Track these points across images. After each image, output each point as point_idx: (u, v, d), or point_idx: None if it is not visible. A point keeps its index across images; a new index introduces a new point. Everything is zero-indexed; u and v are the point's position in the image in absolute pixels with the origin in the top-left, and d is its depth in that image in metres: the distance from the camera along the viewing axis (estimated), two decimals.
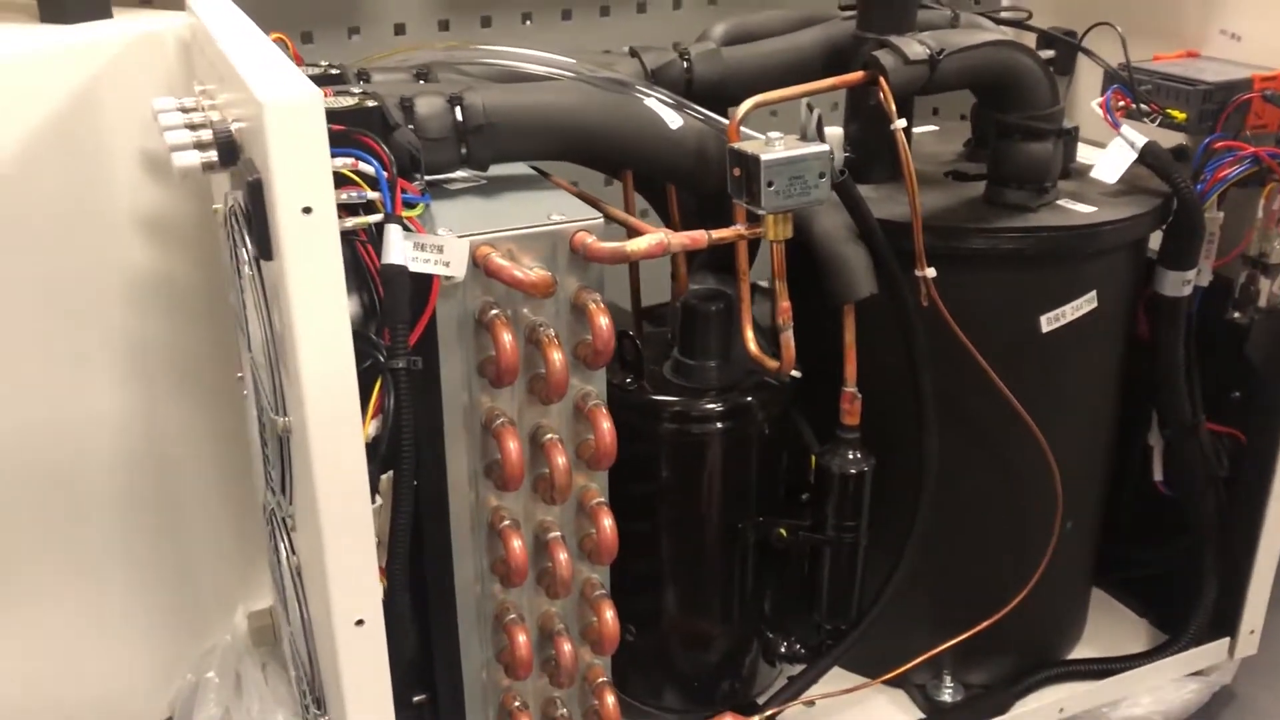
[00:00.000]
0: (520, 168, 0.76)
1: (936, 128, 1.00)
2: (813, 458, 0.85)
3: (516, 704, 0.75)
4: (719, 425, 0.80)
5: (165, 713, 0.96)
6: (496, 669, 0.76)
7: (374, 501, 0.63)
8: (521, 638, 0.73)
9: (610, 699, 0.77)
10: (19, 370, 0.81)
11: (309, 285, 0.56)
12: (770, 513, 0.84)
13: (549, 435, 0.70)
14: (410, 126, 0.68)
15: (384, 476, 0.64)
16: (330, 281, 0.57)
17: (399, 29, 1.15)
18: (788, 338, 0.73)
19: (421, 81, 0.79)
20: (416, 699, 0.76)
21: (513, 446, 0.68)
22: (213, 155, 0.64)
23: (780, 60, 0.85)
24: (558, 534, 0.72)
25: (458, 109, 0.70)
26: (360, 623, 0.63)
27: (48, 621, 0.88)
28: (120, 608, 0.92)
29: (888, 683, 0.92)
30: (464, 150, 0.71)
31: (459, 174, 0.74)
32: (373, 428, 0.62)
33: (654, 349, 0.84)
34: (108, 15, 0.86)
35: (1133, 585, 1.03)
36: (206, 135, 0.69)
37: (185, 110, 0.75)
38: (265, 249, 0.58)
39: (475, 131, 0.70)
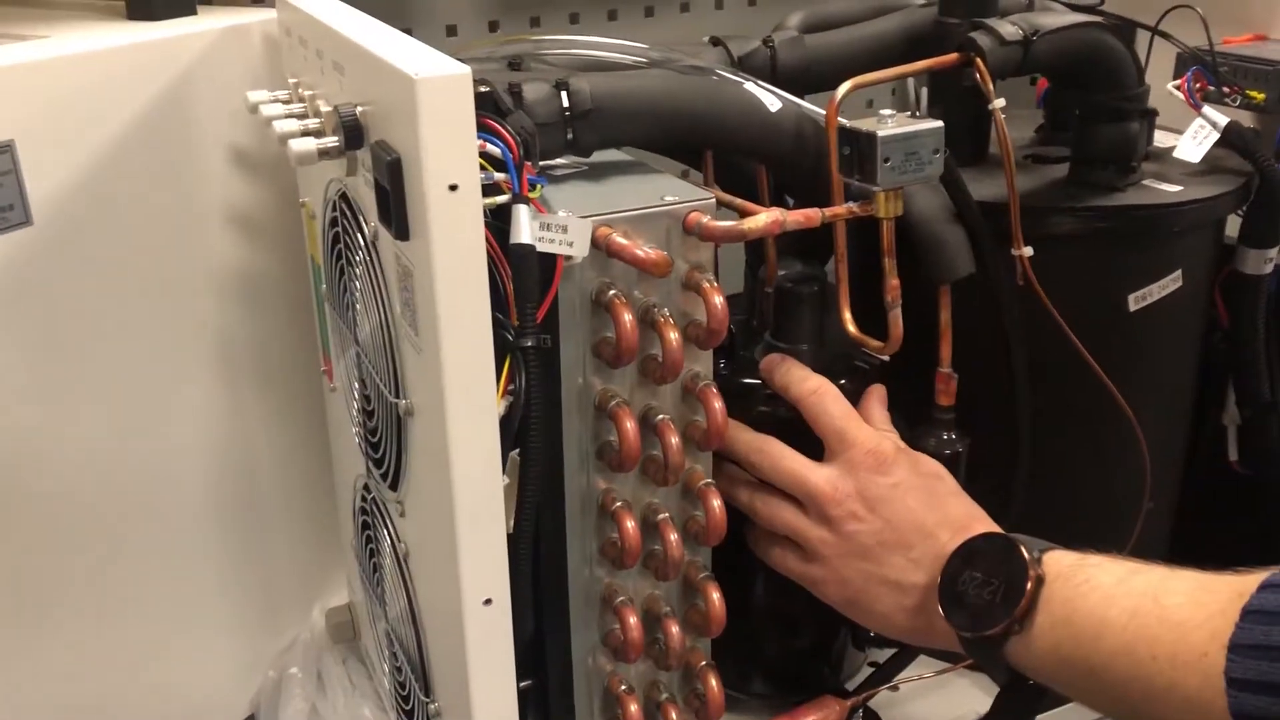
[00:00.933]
0: (618, 154, 0.77)
1: None
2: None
3: (623, 688, 0.75)
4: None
5: (247, 711, 0.96)
6: (601, 653, 0.76)
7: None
8: (633, 619, 0.73)
9: (714, 682, 0.77)
10: (112, 366, 0.81)
11: (454, 262, 0.56)
12: None
13: (661, 416, 0.70)
14: (520, 111, 0.69)
15: (511, 455, 0.64)
16: (474, 257, 0.57)
17: (450, 30, 1.16)
18: (896, 315, 0.73)
19: (515, 70, 0.79)
20: (522, 684, 0.76)
21: (629, 427, 0.68)
22: (332, 141, 0.64)
23: (863, 47, 0.85)
24: (666, 515, 0.73)
25: (564, 94, 0.71)
26: (489, 602, 0.64)
27: (130, 622, 0.88)
28: (201, 606, 0.91)
29: (974, 666, 0.92)
30: (570, 135, 0.71)
31: (560, 160, 0.75)
32: (502, 406, 0.63)
33: (738, 336, 0.85)
34: (193, 12, 0.86)
35: (1203, 565, 1.04)
36: (314, 123, 0.70)
37: (284, 102, 0.76)
38: (403, 229, 0.59)
39: (582, 116, 0.71)
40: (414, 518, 0.72)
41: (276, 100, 0.76)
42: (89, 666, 0.84)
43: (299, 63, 0.78)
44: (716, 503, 0.73)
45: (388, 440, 0.72)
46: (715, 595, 0.74)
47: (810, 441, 0.78)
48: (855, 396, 0.82)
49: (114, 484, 0.83)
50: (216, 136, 0.84)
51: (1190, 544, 1.01)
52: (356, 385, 0.78)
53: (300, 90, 0.75)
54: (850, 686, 0.90)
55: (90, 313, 0.79)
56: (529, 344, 0.62)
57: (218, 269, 0.87)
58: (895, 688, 0.93)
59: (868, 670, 0.91)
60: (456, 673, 0.67)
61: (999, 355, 0.81)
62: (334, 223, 0.74)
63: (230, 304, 0.88)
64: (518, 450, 0.65)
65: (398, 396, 0.67)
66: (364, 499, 0.83)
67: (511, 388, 0.63)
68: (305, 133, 0.68)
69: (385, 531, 0.78)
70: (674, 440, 0.70)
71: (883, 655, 0.91)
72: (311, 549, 0.99)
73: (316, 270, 0.86)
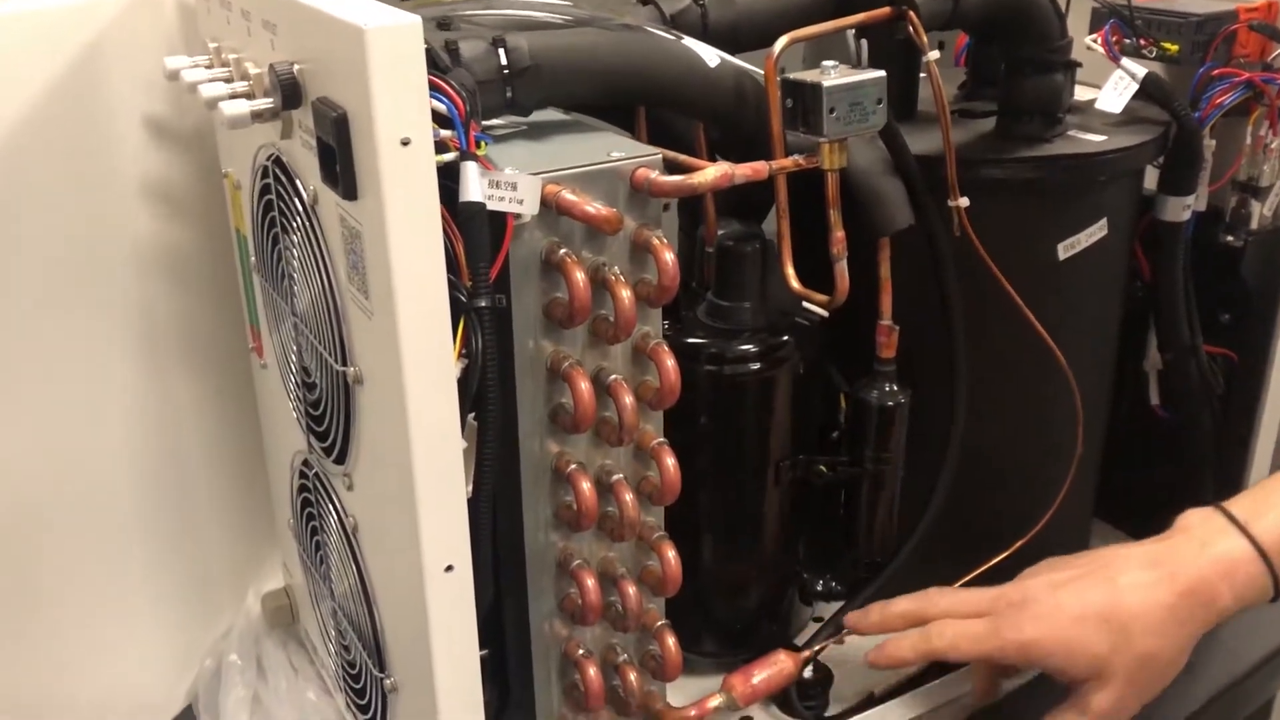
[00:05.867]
0: (557, 113, 0.76)
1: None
2: (841, 396, 0.87)
3: (581, 652, 0.75)
4: (757, 365, 0.81)
5: (184, 701, 0.93)
6: (557, 619, 0.75)
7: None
8: (590, 582, 0.72)
9: (671, 641, 0.77)
10: (29, 344, 0.77)
11: (407, 219, 0.55)
12: (807, 452, 0.85)
13: (613, 376, 0.70)
14: (459, 69, 0.67)
15: (469, 418, 0.63)
16: (428, 214, 0.56)
17: None
18: (842, 268, 0.74)
19: (446, 30, 0.77)
20: (479, 654, 0.75)
21: (584, 388, 0.67)
22: (267, 102, 0.62)
23: (794, 4, 0.85)
24: (620, 476, 0.72)
25: (501, 51, 0.69)
26: (450, 569, 0.62)
27: (55, 615, 0.84)
28: (130, 596, 0.88)
29: None
30: (509, 93, 0.70)
31: (498, 120, 0.73)
32: (458, 369, 0.61)
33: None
34: None
35: (1126, 511, 1.07)
36: (242, 86, 0.67)
37: (205, 67, 0.73)
38: (350, 188, 0.57)
39: (520, 74, 0.69)
40: (363, 490, 0.71)
41: (197, 66, 0.73)
42: (12, 664, 0.80)
43: (219, 26, 0.75)
44: (670, 461, 0.72)
45: (333, 412, 0.70)
46: (670, 554, 0.74)
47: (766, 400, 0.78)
48: (799, 351, 0.82)
49: (33, 469, 0.79)
50: (132, 107, 0.81)
51: (1115, 489, 1.05)
52: (294, 358, 0.75)
53: (223, 54, 0.72)
54: (799, 642, 0.90)
55: (4, 290, 0.75)
56: (483, 304, 0.60)
57: (138, 244, 0.83)
58: (841, 641, 0.94)
59: (814, 626, 0.92)
60: (416, 644, 0.66)
61: (937, 307, 0.82)
62: (265, 190, 0.72)
63: (153, 280, 0.85)
64: (474, 415, 0.63)
65: (344, 364, 0.65)
66: (304, 475, 0.80)
67: (466, 351, 0.62)
68: (234, 95, 0.66)
69: (330, 507, 0.76)
70: (628, 400, 0.69)
71: (827, 610, 0.92)
72: (244, 533, 0.97)
73: (242, 242, 0.83)
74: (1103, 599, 0.75)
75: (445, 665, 0.65)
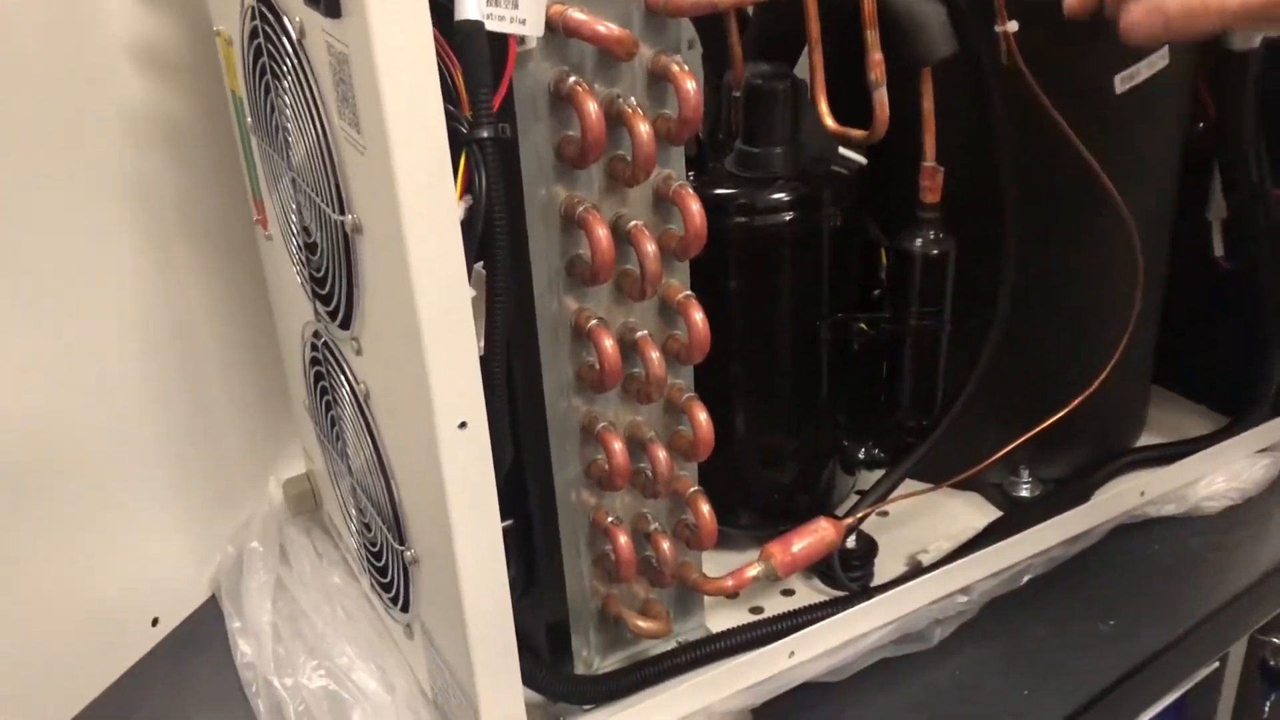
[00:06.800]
0: None
1: None
2: (881, 252, 0.81)
3: (610, 520, 0.71)
4: (790, 215, 0.76)
5: (208, 591, 0.91)
6: (584, 486, 0.71)
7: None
8: (617, 445, 0.68)
9: (705, 507, 0.72)
10: (24, 225, 0.73)
11: (397, 35, 0.50)
12: (846, 310, 0.80)
13: (634, 223, 0.64)
14: None
15: (476, 266, 0.58)
16: (418, 29, 0.50)
17: None
18: (881, 95, 0.68)
19: None
20: (503, 524, 0.71)
21: (602, 235, 0.62)
22: None
23: None
24: (645, 333, 0.67)
25: None
26: (464, 425, 0.58)
27: (71, 509, 0.81)
28: (146, 485, 0.85)
29: (961, 485, 0.89)
30: None
31: None
32: (461, 210, 0.57)
33: (706, 148, 0.79)
34: None
35: (1185, 372, 1.01)
36: None
37: None
38: (333, 3, 0.52)
39: None
40: (372, 353, 0.66)
41: None
42: (31, 563, 0.77)
43: None
44: (698, 315, 0.67)
45: (335, 272, 0.66)
46: (701, 416, 0.70)
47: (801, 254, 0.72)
48: (836, 199, 0.77)
49: (37, 358, 0.75)
50: None
51: (1175, 351, 0.99)
52: (294, 219, 0.71)
53: None
54: (839, 513, 0.86)
55: None
56: (485, 135, 0.55)
57: (133, 114, 0.79)
58: (885, 512, 0.90)
59: (855, 499, 0.88)
60: (435, 512, 0.62)
61: (983, 147, 0.76)
62: (254, 34, 0.67)
63: (149, 152, 0.81)
64: (482, 263, 0.59)
65: (343, 213, 0.61)
66: (314, 348, 0.76)
67: (469, 191, 0.57)
68: None
69: (342, 377, 0.72)
70: (650, 249, 0.64)
71: (870, 480, 0.87)
72: (260, 418, 0.93)
73: (239, 105, 0.78)
74: None
75: (464, 531, 0.61)
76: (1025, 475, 0.90)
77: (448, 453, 0.58)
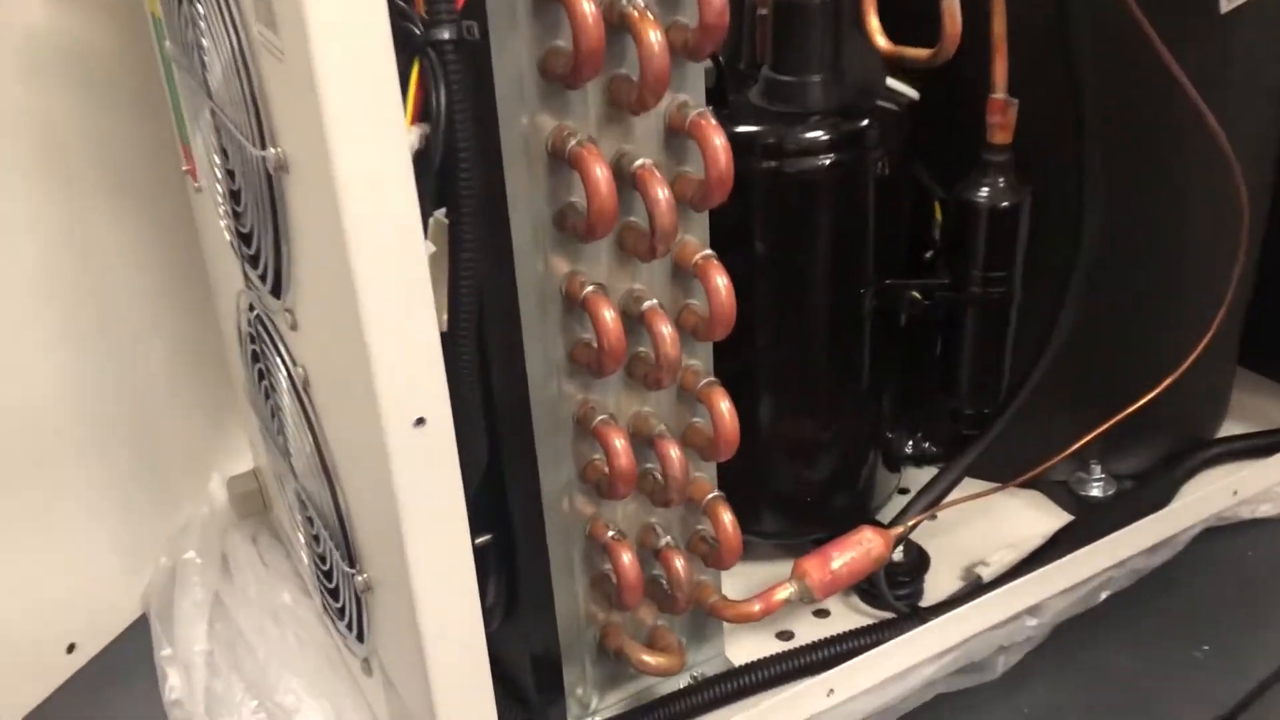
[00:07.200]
0: None
1: None
2: (936, 205, 0.68)
3: (611, 534, 0.58)
4: (829, 158, 0.62)
5: (139, 608, 0.77)
6: (579, 492, 0.58)
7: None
8: (619, 443, 0.54)
9: (727, 517, 0.59)
10: None
11: None
12: (894, 275, 0.67)
13: (639, 162, 0.51)
14: None
15: (436, 214, 0.44)
16: None
17: None
18: (952, 3, 0.54)
19: None
20: (478, 540, 0.58)
21: (599, 175, 0.48)
22: None
23: None
24: (654, 303, 0.54)
25: None
26: (421, 422, 0.45)
27: None
28: (65, 486, 0.72)
29: (1024, 484, 0.75)
30: None
31: None
32: (414, 137, 0.43)
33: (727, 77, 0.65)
34: None
35: (1273, 350, 0.88)
36: None
37: None
38: None
39: None
40: (309, 328, 0.53)
41: None
42: None
43: None
44: (720, 281, 0.54)
45: (260, 226, 0.52)
46: (723, 405, 0.56)
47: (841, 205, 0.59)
48: (883, 141, 0.63)
49: None
50: None
51: (1261, 324, 0.85)
52: (218, 159, 0.57)
53: None
54: (881, 518, 0.73)
55: None
56: (446, 36, 0.42)
57: (34, 39, 0.65)
58: (933, 516, 0.76)
59: (899, 501, 0.75)
60: (387, 529, 0.48)
61: (1063, 77, 0.62)
62: None
63: (54, 87, 0.67)
64: (443, 210, 0.45)
65: (264, 146, 0.47)
66: (250, 321, 0.63)
67: (425, 112, 0.43)
68: None
69: (278, 359, 0.58)
70: (661, 195, 0.50)
71: (916, 479, 0.74)
72: (200, 405, 0.81)
73: (158, 26, 0.64)
74: None
75: (423, 553, 0.48)
76: (1097, 471, 0.77)
77: (400, 456, 0.45)
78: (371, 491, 0.50)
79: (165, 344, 0.78)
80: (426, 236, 0.44)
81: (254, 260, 0.55)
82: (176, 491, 0.80)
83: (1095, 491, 0.77)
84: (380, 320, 0.43)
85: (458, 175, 0.43)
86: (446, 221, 0.45)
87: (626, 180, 0.51)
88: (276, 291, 0.54)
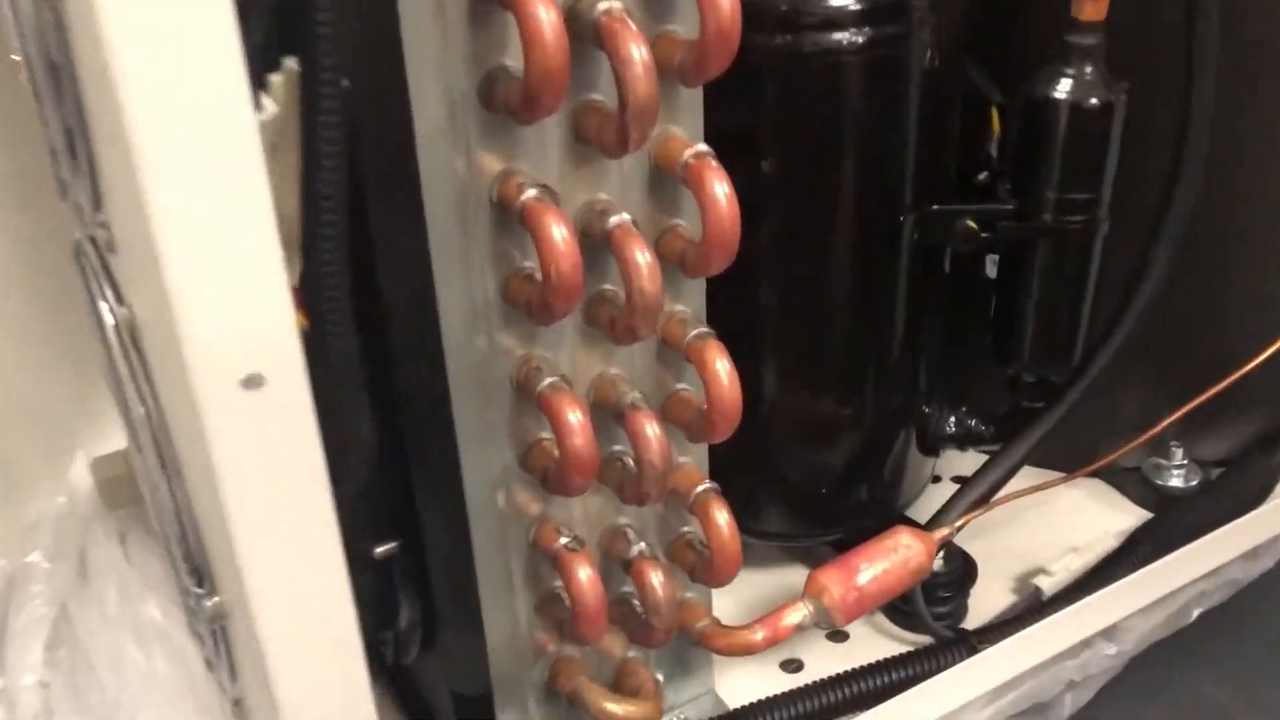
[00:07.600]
0: None
1: None
2: (994, 113, 0.52)
3: (564, 541, 0.42)
4: (861, 38, 0.46)
5: None
6: (518, 484, 0.42)
7: (259, 110, 0.28)
8: (574, 415, 0.39)
9: (722, 516, 0.44)
10: None
11: None
12: (942, 200, 0.51)
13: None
14: None
15: (285, 63, 0.29)
16: None
17: None
18: None
19: None
20: (379, 551, 0.42)
21: (548, 28, 0.32)
22: None
23: None
24: (624, 218, 0.38)
25: None
26: (252, 381, 0.29)
27: None
28: None
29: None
30: None
31: None
32: None
33: None
34: None
35: None
36: None
37: None
38: None
39: None
40: (126, 250, 0.37)
41: None
42: None
43: None
44: (719, 189, 0.38)
45: (68, 108, 0.37)
46: (720, 365, 0.41)
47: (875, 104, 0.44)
48: (928, 22, 0.48)
49: None
50: None
51: None
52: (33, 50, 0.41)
53: None
54: (912, 514, 0.58)
55: None
56: None
57: None
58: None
59: (935, 493, 0.60)
60: (219, 531, 0.33)
61: None
62: None
63: None
64: (295, 59, 0.29)
65: None
66: (79, 247, 0.47)
67: None
68: None
69: (103, 300, 0.42)
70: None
71: (959, 465, 0.59)
72: (60, 369, 0.65)
73: None
74: None
75: (260, 564, 0.32)
76: (1178, 456, 0.64)
77: (221, 431, 0.29)
78: (199, 480, 0.34)
79: (21, 294, 0.62)
80: (267, 92, 0.28)
81: (70, 147, 0.39)
82: (28, 475, 0.65)
83: (1176, 481, 0.65)
84: (178, 224, 0.27)
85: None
86: (296, 68, 0.29)
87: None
88: (96, 200, 0.38)
